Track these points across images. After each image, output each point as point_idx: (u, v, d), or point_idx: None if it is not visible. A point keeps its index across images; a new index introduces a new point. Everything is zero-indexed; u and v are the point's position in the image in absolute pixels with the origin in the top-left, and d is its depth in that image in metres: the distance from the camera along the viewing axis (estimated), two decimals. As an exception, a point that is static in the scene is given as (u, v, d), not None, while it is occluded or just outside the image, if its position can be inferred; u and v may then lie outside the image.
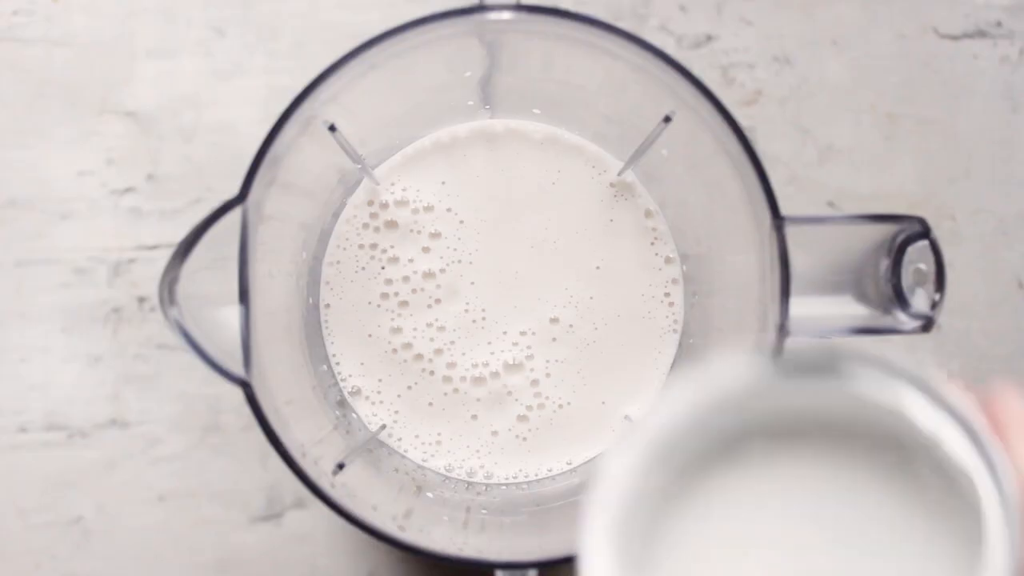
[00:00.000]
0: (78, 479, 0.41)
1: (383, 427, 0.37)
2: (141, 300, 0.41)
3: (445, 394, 0.37)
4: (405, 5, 0.42)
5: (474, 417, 0.37)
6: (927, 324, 0.29)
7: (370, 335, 0.37)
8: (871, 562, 0.19)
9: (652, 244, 0.38)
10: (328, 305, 0.38)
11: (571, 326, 0.38)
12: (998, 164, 0.43)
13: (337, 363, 0.38)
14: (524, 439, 0.37)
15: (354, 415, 0.38)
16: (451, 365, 0.37)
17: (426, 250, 0.37)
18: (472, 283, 0.37)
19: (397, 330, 0.37)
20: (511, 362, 0.37)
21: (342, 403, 0.38)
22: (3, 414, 0.41)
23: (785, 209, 0.30)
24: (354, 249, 0.38)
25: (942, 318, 0.39)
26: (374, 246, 0.38)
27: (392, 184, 0.38)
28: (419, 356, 0.37)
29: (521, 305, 0.38)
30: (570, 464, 0.37)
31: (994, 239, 0.43)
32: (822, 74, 0.43)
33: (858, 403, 0.20)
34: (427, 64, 0.35)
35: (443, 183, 0.38)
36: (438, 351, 0.37)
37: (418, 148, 0.38)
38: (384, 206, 0.38)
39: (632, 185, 0.38)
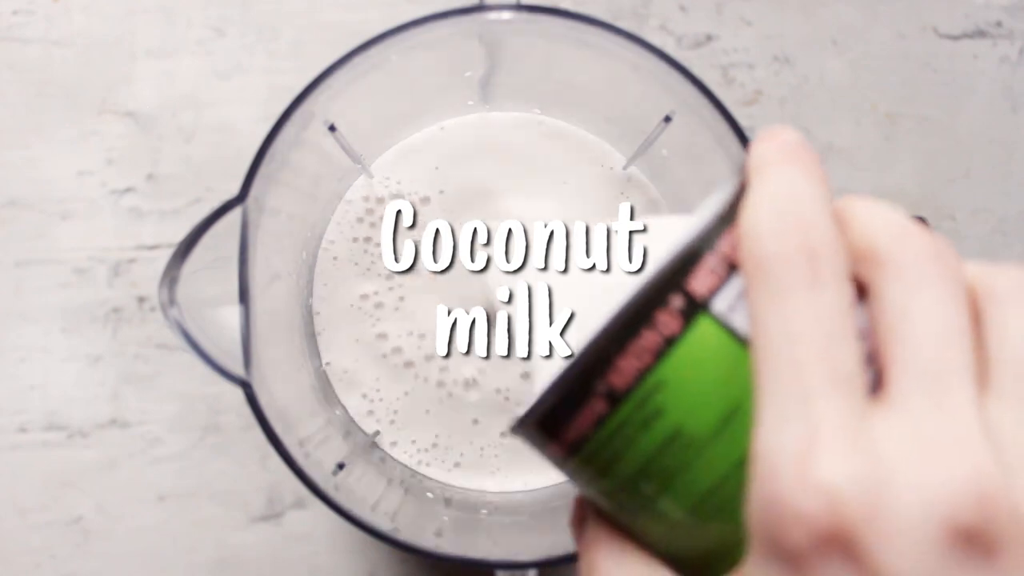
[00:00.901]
0: (78, 479, 0.41)
1: (377, 432, 0.37)
2: (141, 300, 0.41)
3: (440, 400, 0.37)
4: (405, 5, 0.42)
5: (475, 422, 0.37)
6: (927, 324, 0.29)
7: (356, 340, 0.37)
8: None
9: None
10: (319, 313, 0.38)
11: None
12: (998, 164, 0.43)
13: (328, 363, 0.37)
14: (520, 451, 0.37)
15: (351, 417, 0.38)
16: (443, 369, 0.37)
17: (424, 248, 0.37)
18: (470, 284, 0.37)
19: (382, 335, 0.37)
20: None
21: (341, 404, 0.38)
22: (3, 414, 0.41)
23: (785, 209, 0.30)
24: (347, 243, 0.38)
25: (942, 318, 0.39)
26: (367, 240, 0.38)
27: (391, 181, 0.38)
28: (410, 363, 0.37)
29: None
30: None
31: (994, 239, 0.43)
32: (822, 74, 0.43)
33: None
34: (427, 64, 0.35)
35: (444, 182, 0.38)
36: (430, 356, 0.37)
37: (418, 148, 0.38)
38: (380, 200, 0.38)
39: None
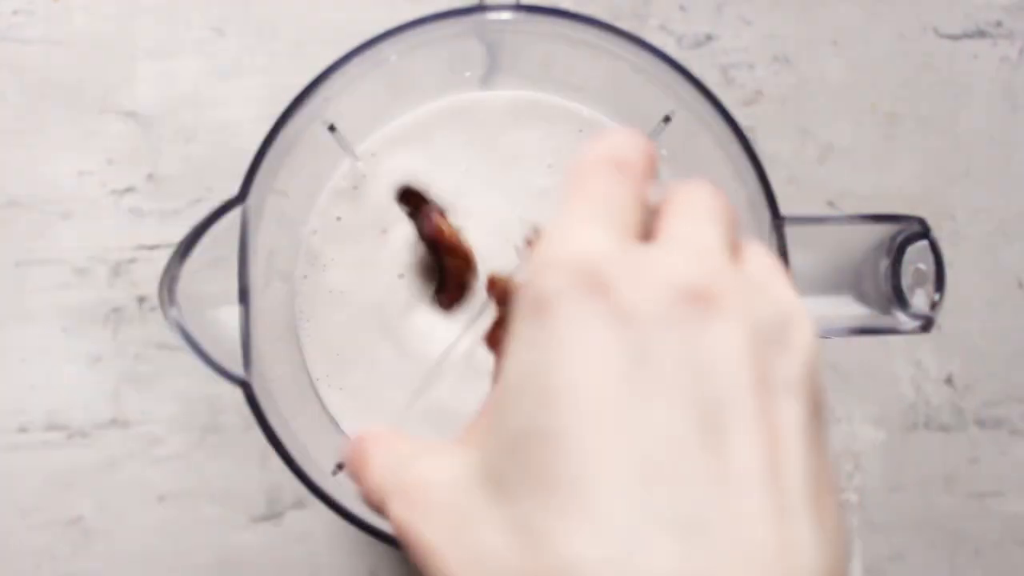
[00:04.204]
0: (78, 479, 0.41)
1: None
2: (141, 300, 0.41)
3: (430, 404, 0.37)
4: (405, 5, 0.42)
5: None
6: (927, 324, 0.29)
7: (342, 348, 0.37)
8: None
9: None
10: (308, 320, 0.38)
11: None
12: (998, 164, 0.43)
13: (317, 378, 0.37)
14: None
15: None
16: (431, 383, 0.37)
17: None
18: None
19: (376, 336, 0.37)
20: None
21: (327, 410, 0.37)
22: (3, 414, 0.41)
23: (785, 209, 0.30)
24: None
25: (942, 318, 0.39)
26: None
27: (389, 180, 0.38)
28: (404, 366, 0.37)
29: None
30: None
31: (994, 239, 0.43)
32: (822, 74, 0.43)
33: None
34: (427, 64, 0.35)
35: (442, 181, 0.38)
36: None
37: (417, 147, 0.38)
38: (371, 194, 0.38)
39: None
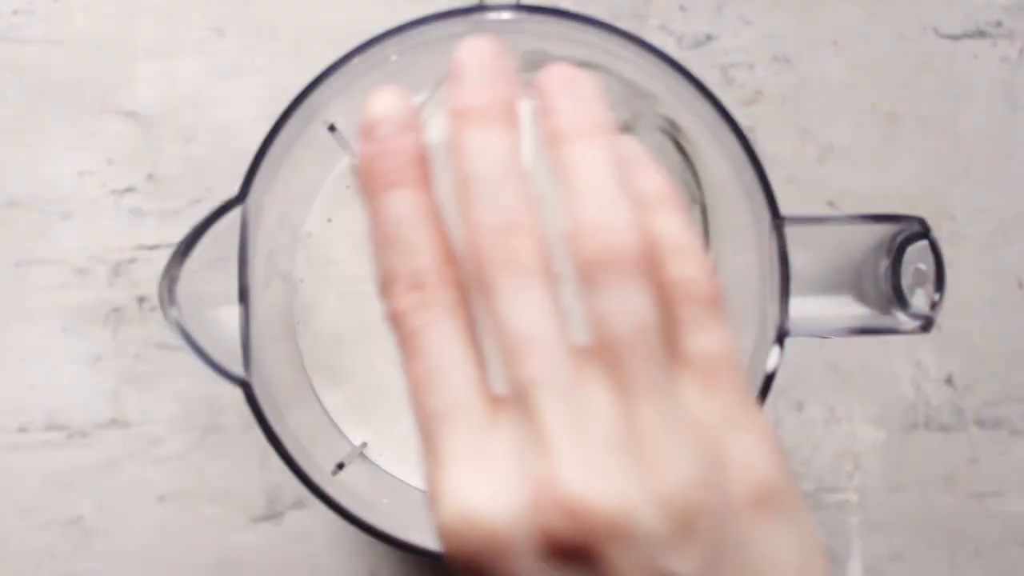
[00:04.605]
0: (78, 479, 0.41)
1: (364, 444, 0.37)
2: (141, 300, 0.41)
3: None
4: (405, 5, 0.42)
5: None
6: (927, 324, 0.29)
7: (342, 345, 0.37)
8: None
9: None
10: (302, 323, 0.38)
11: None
12: (998, 164, 0.43)
13: (317, 378, 0.37)
14: None
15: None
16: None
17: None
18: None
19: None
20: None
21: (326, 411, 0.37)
22: (3, 414, 0.41)
23: (785, 209, 0.30)
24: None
25: (942, 318, 0.39)
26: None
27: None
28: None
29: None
30: None
31: (994, 239, 0.43)
32: (822, 74, 0.43)
33: None
34: (427, 64, 0.35)
35: (442, 179, 0.38)
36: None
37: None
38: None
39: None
